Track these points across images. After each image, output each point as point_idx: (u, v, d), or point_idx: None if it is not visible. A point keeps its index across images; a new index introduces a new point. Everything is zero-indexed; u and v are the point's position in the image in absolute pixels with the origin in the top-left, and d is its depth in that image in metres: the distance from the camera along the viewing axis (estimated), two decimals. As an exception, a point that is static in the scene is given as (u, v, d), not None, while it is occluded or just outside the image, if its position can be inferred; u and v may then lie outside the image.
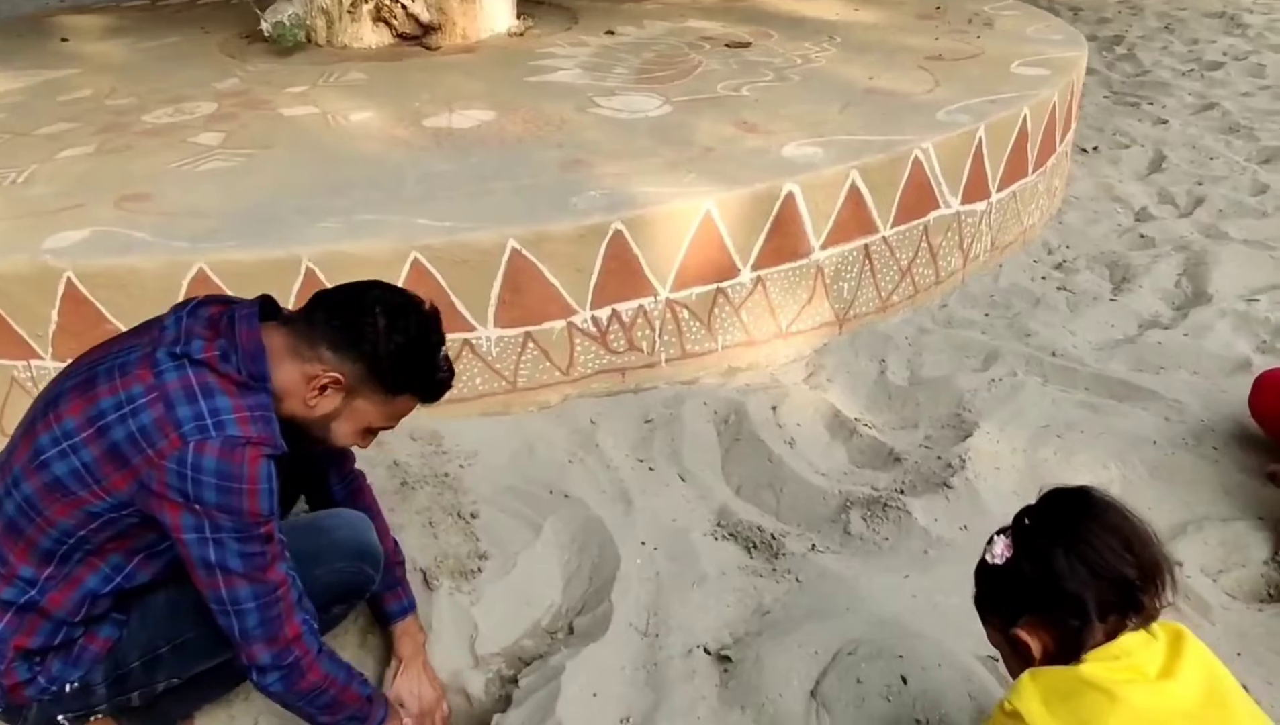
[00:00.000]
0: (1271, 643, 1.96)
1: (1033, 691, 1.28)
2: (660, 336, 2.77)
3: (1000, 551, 1.37)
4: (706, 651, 1.98)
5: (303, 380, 1.58)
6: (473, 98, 3.57)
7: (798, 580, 2.14)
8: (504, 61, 4.10)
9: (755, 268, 2.81)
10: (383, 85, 3.79)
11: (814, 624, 1.97)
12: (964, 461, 2.42)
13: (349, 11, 4.35)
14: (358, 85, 3.81)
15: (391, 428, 1.73)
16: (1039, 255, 3.65)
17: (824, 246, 2.89)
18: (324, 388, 1.59)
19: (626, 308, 2.69)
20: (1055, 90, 3.52)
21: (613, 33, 4.50)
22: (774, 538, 2.26)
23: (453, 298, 2.52)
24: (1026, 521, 1.37)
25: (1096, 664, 1.27)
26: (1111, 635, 1.29)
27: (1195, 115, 5.11)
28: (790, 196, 2.78)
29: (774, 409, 2.72)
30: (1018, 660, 1.38)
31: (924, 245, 3.13)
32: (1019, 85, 3.51)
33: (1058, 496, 1.37)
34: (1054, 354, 2.95)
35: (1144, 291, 3.32)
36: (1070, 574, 1.30)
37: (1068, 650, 1.31)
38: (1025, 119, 3.33)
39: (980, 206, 3.28)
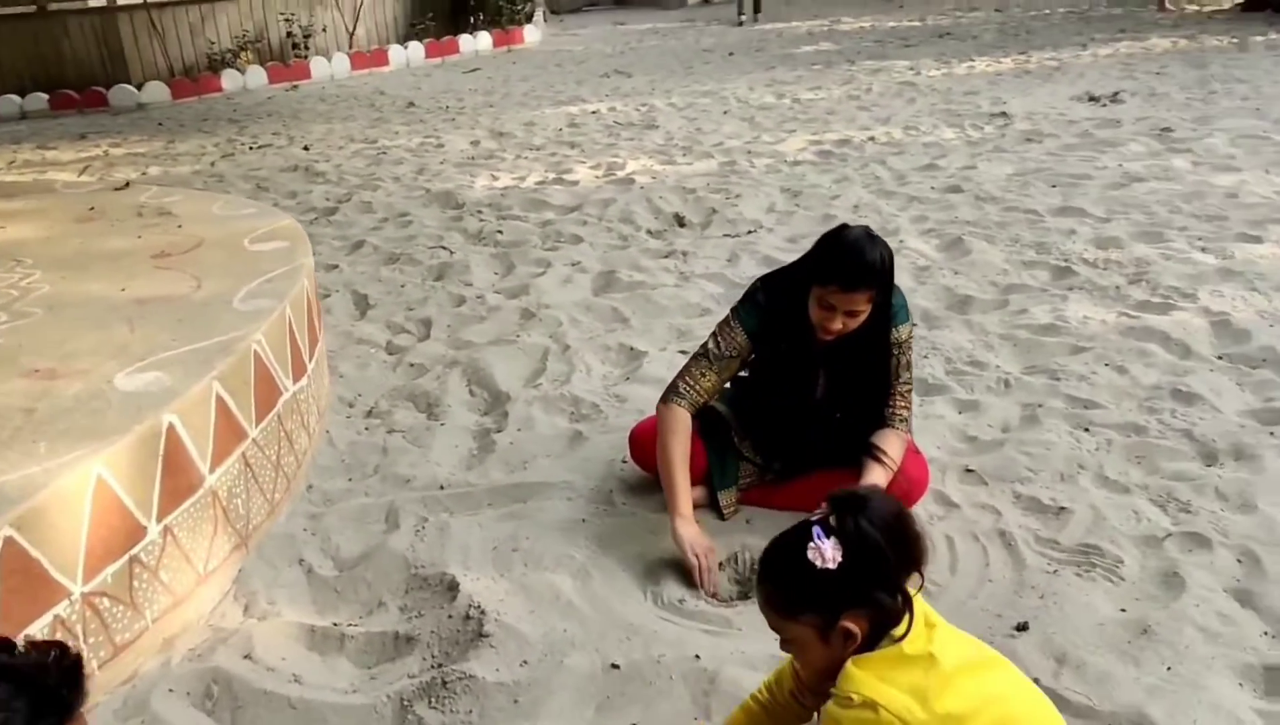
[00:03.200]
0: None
1: (867, 677, 1.52)
2: (86, 642, 2.24)
3: (832, 554, 1.54)
4: None
5: None
6: None
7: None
8: None
9: (160, 518, 2.44)
10: None
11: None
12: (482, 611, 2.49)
13: None
14: None
15: None
16: (343, 408, 3.77)
17: (213, 468, 2.63)
18: None
19: (40, 626, 2.12)
20: (306, 255, 3.65)
21: None
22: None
23: None
24: (849, 523, 1.55)
25: (914, 636, 1.56)
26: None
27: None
28: (171, 428, 2.47)
29: (246, 657, 2.42)
30: (828, 652, 1.59)
31: (282, 434, 3.03)
32: (275, 258, 3.57)
33: (859, 498, 1.60)
34: (442, 487, 3.13)
35: (453, 410, 3.68)
36: (896, 564, 1.56)
37: (878, 631, 1.58)
38: (304, 284, 3.42)
39: (304, 380, 3.28)
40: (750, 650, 2.33)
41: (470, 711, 2.23)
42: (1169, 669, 2.22)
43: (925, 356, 3.87)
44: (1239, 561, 2.59)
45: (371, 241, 5.85)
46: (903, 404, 2.75)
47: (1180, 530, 2.71)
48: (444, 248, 5.64)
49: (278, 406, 3.01)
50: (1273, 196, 5.58)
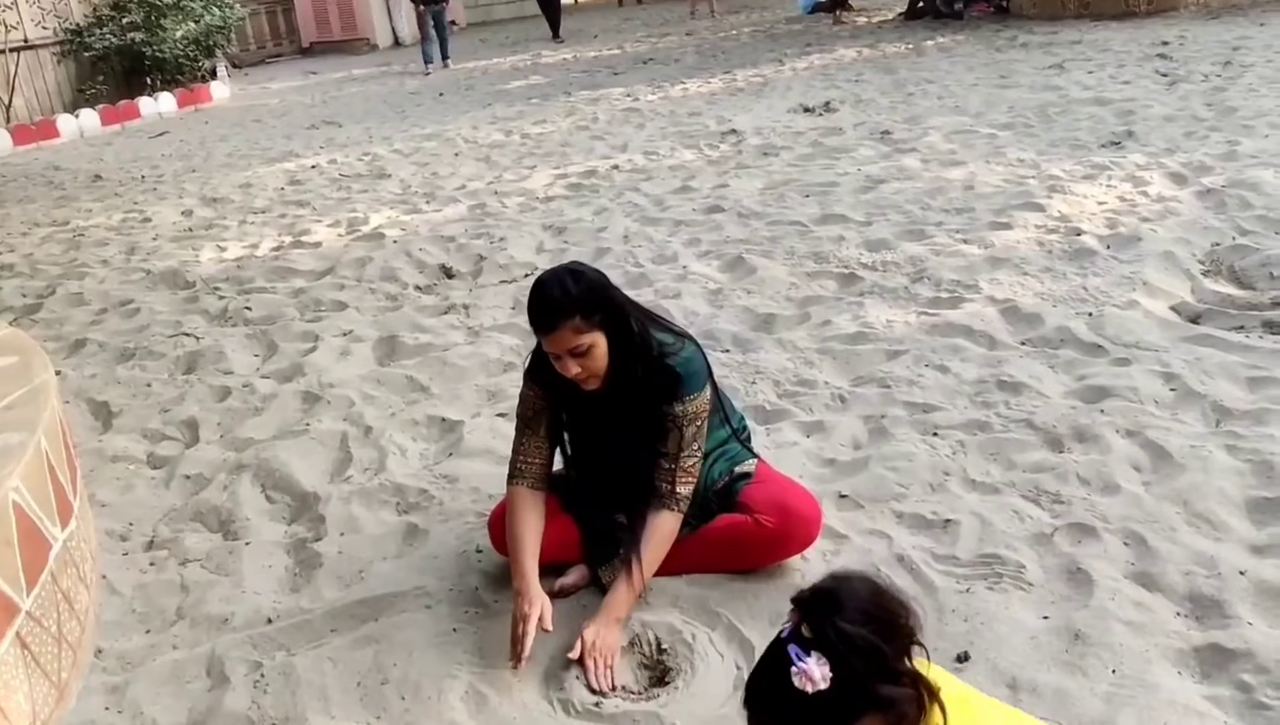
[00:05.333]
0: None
1: None
2: None
3: (820, 674, 1.32)
4: None
5: None
6: None
7: None
8: None
9: (-76, 747, 1.85)
10: None
11: None
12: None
13: None
14: None
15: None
16: (115, 544, 3.15)
17: (-17, 663, 2.05)
18: None
19: None
20: (46, 367, 3.02)
21: None
22: None
23: None
24: (827, 631, 1.33)
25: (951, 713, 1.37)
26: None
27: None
28: (-76, 626, 1.89)
29: None
30: None
31: (59, 597, 2.44)
32: (7, 379, 2.92)
33: (825, 594, 1.36)
34: (270, 621, 2.65)
35: (254, 524, 3.17)
36: (894, 655, 1.34)
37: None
38: (55, 405, 2.81)
39: (72, 523, 2.68)
40: (697, 745, 2.06)
41: None
42: (1114, 672, 2.17)
43: (753, 382, 3.75)
44: (1126, 544, 2.60)
45: (95, 338, 5.06)
46: (685, 480, 2.51)
47: (1063, 523, 2.71)
48: (187, 334, 4.96)
49: (49, 563, 2.42)
50: (1002, 185, 5.96)
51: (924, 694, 1.39)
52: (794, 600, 1.41)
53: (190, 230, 7.25)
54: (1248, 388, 3.33)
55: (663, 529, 2.50)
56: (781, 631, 1.41)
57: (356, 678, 2.40)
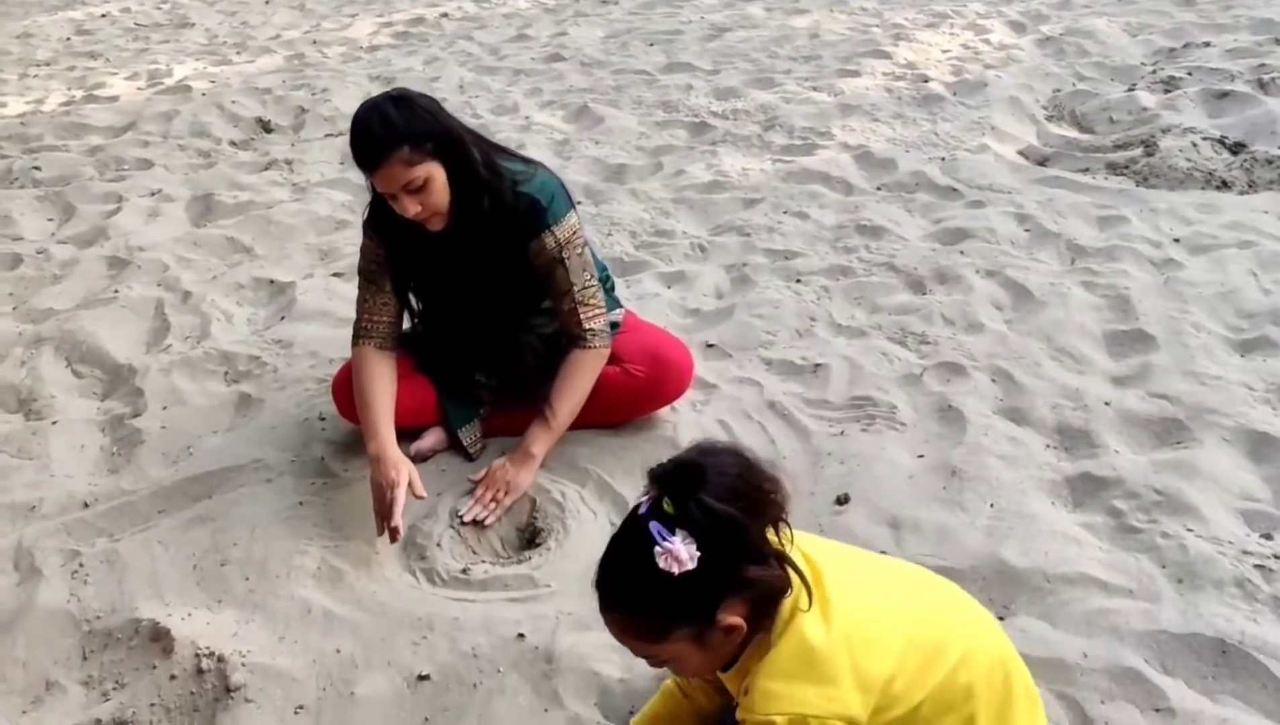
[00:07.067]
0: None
1: (784, 689, 1.25)
2: None
3: (687, 553, 1.20)
4: None
5: None
6: None
7: None
8: None
9: None
10: None
11: None
12: None
13: None
14: None
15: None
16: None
17: None
18: None
19: None
20: None
21: None
22: None
23: None
24: (691, 508, 1.20)
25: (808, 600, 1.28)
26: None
27: None
28: None
29: None
30: (711, 655, 1.29)
31: None
32: None
33: (688, 467, 1.22)
34: (86, 505, 2.36)
35: (60, 402, 2.81)
36: (757, 532, 1.24)
37: (762, 608, 1.28)
38: None
39: None
40: (576, 609, 1.93)
41: (249, 796, 1.65)
42: (992, 506, 2.15)
43: (609, 234, 3.56)
44: (994, 381, 2.59)
45: None
46: (591, 314, 2.33)
47: (931, 363, 2.67)
48: (-36, 198, 4.37)
49: None
50: (847, 33, 5.85)
51: (789, 574, 1.28)
52: (653, 475, 1.25)
53: (-41, 85, 6.38)
54: (1098, 226, 3.36)
55: (583, 366, 2.31)
56: (638, 508, 1.26)
57: (192, 560, 2.15)
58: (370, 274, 2.37)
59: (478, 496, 2.22)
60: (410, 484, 2.14)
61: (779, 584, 1.28)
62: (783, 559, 1.27)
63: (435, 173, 2.12)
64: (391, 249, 2.32)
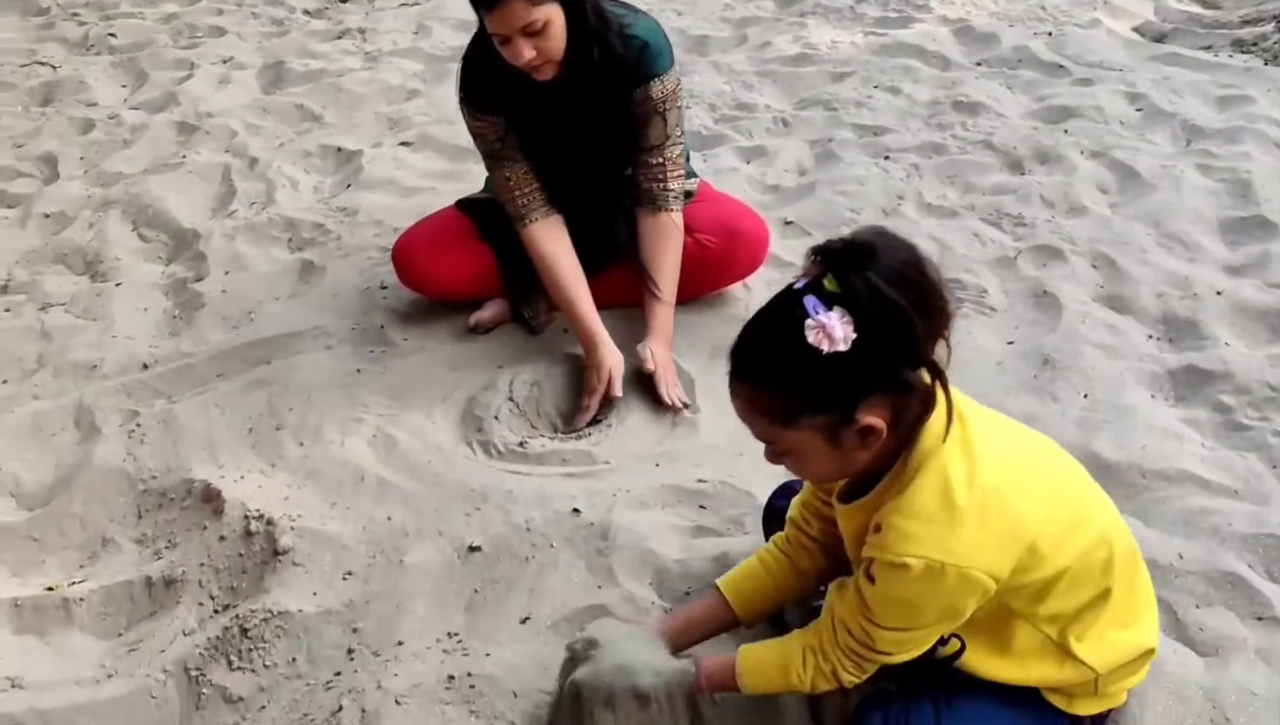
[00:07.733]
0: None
1: (927, 531, 1.13)
2: None
3: (843, 332, 1.07)
4: None
5: None
6: None
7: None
8: None
9: None
10: None
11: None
12: None
13: None
14: None
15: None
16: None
17: None
18: None
19: None
20: None
21: None
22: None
23: None
24: (857, 285, 1.07)
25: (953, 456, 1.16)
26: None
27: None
28: None
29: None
30: (839, 459, 1.18)
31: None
32: None
33: (858, 245, 1.10)
34: (146, 366, 2.33)
35: (125, 265, 2.79)
36: (925, 335, 1.11)
37: (905, 423, 1.15)
38: None
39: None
40: (635, 487, 1.85)
41: (294, 660, 1.62)
42: (1086, 397, 2.00)
43: (687, 107, 3.36)
44: (1095, 267, 2.40)
45: (-69, 68, 4.42)
46: (677, 173, 2.19)
47: (1027, 246, 2.49)
48: (42, 63, 4.35)
49: None
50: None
51: (938, 392, 1.15)
52: (817, 250, 1.12)
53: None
54: (1218, 106, 3.09)
55: (668, 235, 2.19)
56: (794, 282, 1.14)
57: (247, 424, 2.12)
58: (497, 152, 2.19)
59: (670, 382, 2.11)
60: (610, 383, 2.08)
61: (926, 397, 1.15)
62: (940, 374, 1.14)
63: (555, 16, 1.95)
64: (510, 114, 2.16)
